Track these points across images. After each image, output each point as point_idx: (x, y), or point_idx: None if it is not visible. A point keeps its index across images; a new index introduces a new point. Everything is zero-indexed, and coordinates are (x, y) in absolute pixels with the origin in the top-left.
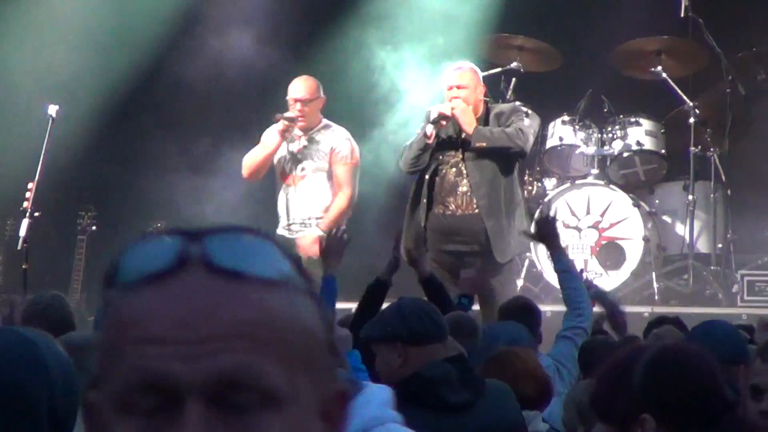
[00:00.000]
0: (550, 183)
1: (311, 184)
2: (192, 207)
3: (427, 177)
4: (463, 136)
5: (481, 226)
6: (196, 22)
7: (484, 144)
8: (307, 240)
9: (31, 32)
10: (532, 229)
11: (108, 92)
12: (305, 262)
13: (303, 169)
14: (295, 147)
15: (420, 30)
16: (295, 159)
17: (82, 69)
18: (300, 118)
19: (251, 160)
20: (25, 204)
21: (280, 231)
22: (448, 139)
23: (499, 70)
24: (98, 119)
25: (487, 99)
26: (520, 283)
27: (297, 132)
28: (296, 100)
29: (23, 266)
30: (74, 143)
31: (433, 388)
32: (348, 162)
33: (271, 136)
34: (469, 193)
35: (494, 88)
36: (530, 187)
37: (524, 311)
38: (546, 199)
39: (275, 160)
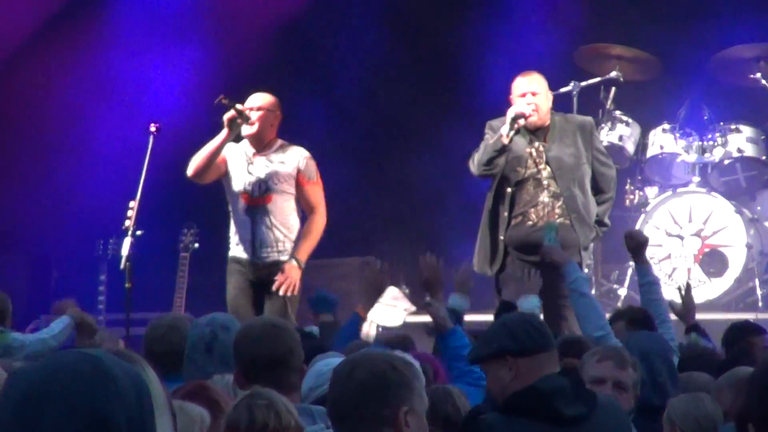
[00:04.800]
0: (651, 192)
1: (279, 206)
2: None
3: (509, 190)
4: (536, 146)
5: (570, 235)
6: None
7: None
8: (291, 270)
9: (137, 48)
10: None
11: (208, 108)
12: (290, 295)
13: (268, 191)
14: (256, 168)
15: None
16: (259, 180)
17: (185, 86)
18: (251, 119)
19: (197, 156)
20: (127, 223)
21: (240, 254)
22: (523, 153)
23: (598, 80)
24: (198, 135)
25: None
26: (623, 292)
27: (252, 150)
28: (251, 108)
29: (126, 285)
30: (175, 160)
31: (548, 400)
32: (316, 181)
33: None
34: (550, 204)
35: (594, 98)
36: (632, 196)
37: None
38: (648, 208)
39: (235, 181)
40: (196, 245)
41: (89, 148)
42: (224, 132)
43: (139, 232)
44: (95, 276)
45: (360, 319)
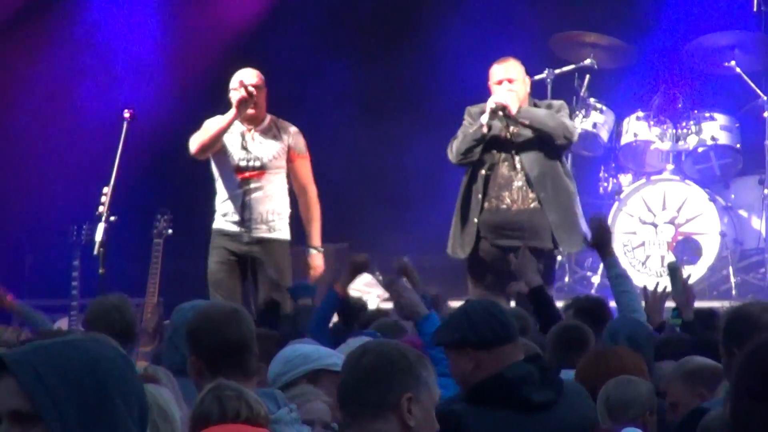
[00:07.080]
0: (625, 179)
1: (271, 181)
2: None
3: (483, 172)
4: (512, 130)
5: (544, 220)
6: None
7: (527, 122)
8: (318, 260)
9: (110, 33)
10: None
11: (182, 93)
12: (316, 279)
13: (262, 167)
14: (250, 144)
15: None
16: (254, 156)
17: (158, 71)
18: (252, 102)
19: (202, 134)
20: (101, 208)
21: (226, 226)
22: (498, 136)
23: (572, 67)
24: (172, 121)
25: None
26: (597, 279)
27: (245, 126)
28: (249, 85)
29: (99, 271)
30: (149, 146)
31: (517, 388)
32: (306, 155)
33: (222, 116)
34: (524, 188)
35: (568, 86)
36: (606, 183)
37: (600, 309)
38: (622, 195)
39: (229, 157)
40: (170, 231)
41: (63, 133)
42: (232, 112)
43: (112, 218)
44: (69, 261)
45: (337, 297)
